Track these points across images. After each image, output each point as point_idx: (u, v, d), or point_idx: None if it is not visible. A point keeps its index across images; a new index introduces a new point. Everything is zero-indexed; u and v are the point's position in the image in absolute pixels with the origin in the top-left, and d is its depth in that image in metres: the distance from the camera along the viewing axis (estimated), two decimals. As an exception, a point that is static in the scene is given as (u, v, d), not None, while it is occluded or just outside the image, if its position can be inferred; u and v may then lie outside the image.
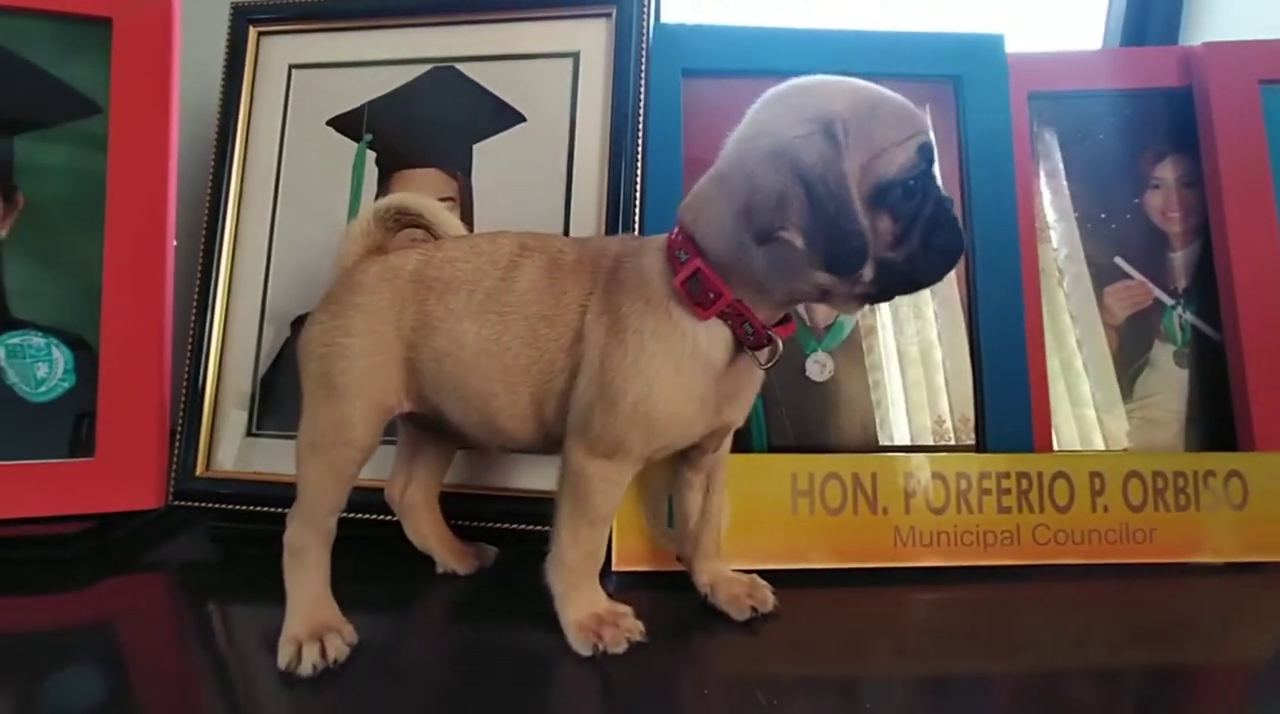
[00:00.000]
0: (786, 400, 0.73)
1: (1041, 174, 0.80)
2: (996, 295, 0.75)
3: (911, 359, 0.75)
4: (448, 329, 0.53)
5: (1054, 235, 0.79)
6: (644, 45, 0.74)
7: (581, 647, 0.50)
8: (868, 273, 0.44)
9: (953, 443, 0.73)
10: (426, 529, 0.64)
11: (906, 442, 0.73)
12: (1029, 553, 0.65)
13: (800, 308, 0.75)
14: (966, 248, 0.75)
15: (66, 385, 0.70)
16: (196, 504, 0.71)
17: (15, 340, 0.70)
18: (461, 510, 0.67)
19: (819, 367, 0.74)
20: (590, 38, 0.75)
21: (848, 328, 0.75)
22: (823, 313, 0.75)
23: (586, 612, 0.51)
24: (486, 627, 0.56)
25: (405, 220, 0.62)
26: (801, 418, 0.73)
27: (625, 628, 0.51)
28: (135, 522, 0.71)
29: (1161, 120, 0.80)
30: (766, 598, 0.57)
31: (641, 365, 0.48)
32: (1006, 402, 0.73)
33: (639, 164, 0.72)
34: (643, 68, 0.74)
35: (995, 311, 0.75)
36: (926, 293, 0.74)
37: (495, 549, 0.66)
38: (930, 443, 0.73)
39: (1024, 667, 0.52)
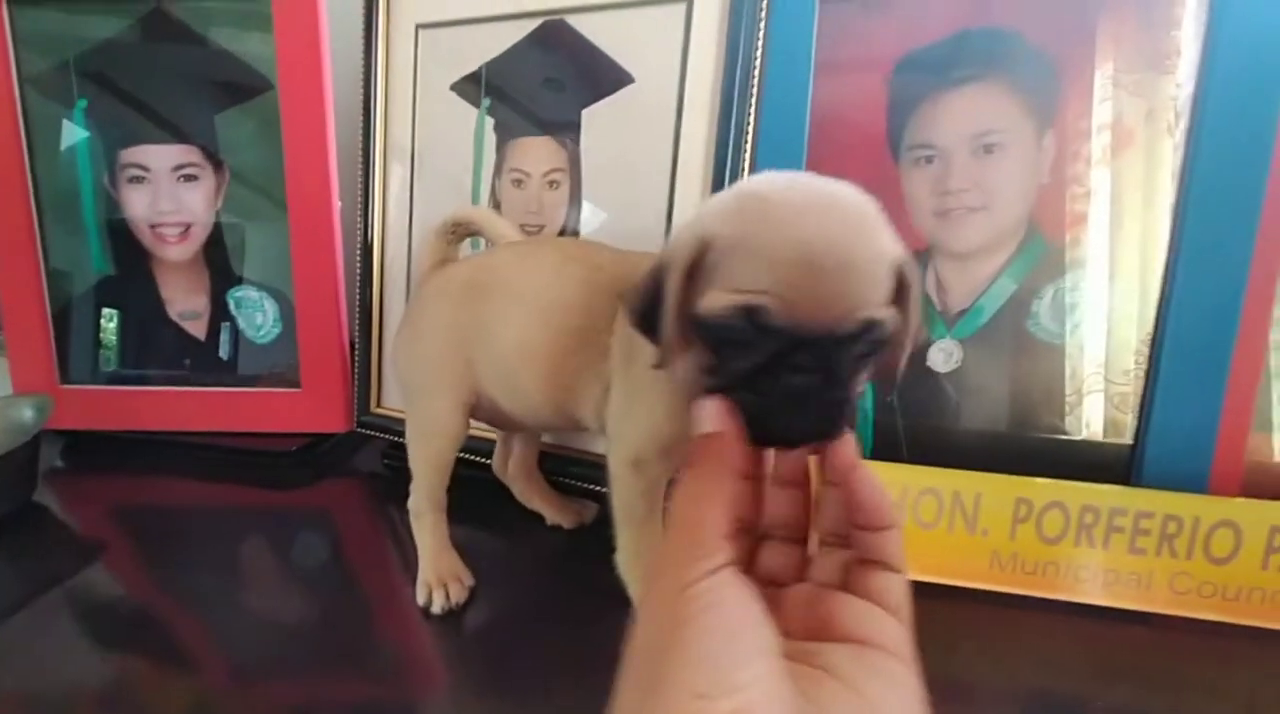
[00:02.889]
0: (901, 390, 0.67)
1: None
2: (1208, 254, 0.57)
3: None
4: (496, 331, 0.59)
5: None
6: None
7: None
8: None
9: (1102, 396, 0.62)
10: (531, 494, 0.73)
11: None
12: (1161, 601, 0.57)
13: (930, 289, 0.66)
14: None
15: (276, 331, 0.87)
16: (371, 433, 0.87)
17: (240, 293, 0.87)
18: (559, 470, 0.75)
19: (944, 355, 0.66)
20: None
21: (986, 315, 0.65)
22: (955, 295, 0.66)
23: None
24: (584, 568, 0.64)
25: (462, 231, 0.68)
26: (916, 410, 0.67)
27: None
28: (330, 441, 0.89)
29: None
30: None
31: (646, 395, 0.50)
32: (1187, 402, 0.59)
33: (750, 121, 0.65)
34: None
35: (1202, 272, 0.58)
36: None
37: (595, 505, 0.73)
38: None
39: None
